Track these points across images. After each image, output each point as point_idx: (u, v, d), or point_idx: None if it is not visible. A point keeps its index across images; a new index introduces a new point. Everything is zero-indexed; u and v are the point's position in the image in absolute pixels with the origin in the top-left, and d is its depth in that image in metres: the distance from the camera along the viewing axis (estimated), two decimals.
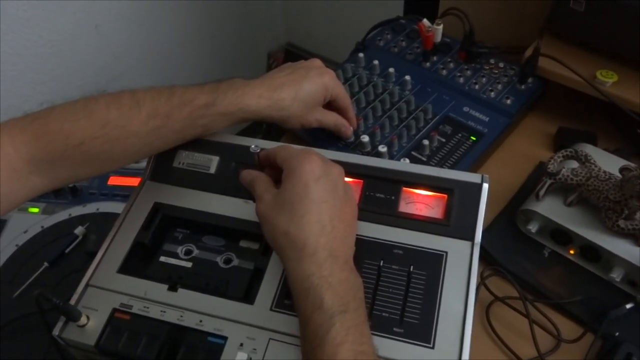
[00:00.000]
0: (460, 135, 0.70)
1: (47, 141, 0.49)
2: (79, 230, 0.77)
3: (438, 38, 0.77)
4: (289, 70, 0.62)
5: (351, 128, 0.68)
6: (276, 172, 0.51)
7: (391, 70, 0.76)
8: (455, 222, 0.52)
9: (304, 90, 0.59)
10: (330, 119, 0.64)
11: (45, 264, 0.74)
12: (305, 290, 0.43)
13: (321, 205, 0.46)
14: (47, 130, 0.49)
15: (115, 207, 0.81)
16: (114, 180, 0.85)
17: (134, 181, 0.83)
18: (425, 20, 0.76)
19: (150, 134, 0.53)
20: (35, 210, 0.81)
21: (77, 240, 0.77)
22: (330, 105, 0.65)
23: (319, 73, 0.61)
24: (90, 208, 0.81)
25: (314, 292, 0.42)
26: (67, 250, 0.76)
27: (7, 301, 0.71)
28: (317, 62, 0.64)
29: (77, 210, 0.81)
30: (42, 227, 0.79)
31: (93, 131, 0.50)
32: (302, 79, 0.60)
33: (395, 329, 0.47)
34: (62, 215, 0.81)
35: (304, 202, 0.46)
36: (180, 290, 0.51)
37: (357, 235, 0.51)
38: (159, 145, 0.56)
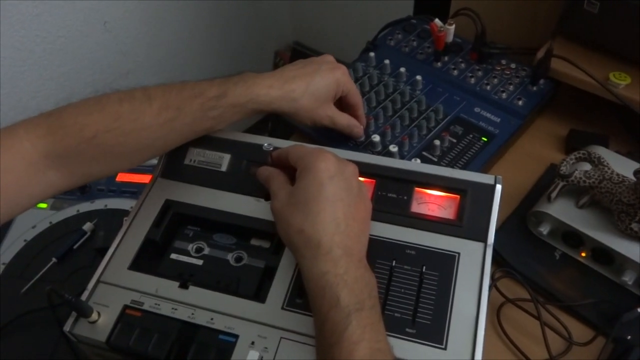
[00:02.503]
0: (471, 136, 0.70)
1: (62, 135, 0.49)
2: (87, 226, 0.77)
3: (450, 38, 0.77)
4: (301, 64, 0.62)
5: (363, 128, 0.67)
6: (289, 171, 0.51)
7: (402, 69, 0.76)
8: (467, 223, 0.52)
9: (316, 83, 0.59)
10: (343, 119, 0.64)
11: (54, 259, 0.74)
12: (321, 288, 0.43)
13: (336, 204, 0.46)
14: (61, 125, 0.49)
15: (124, 203, 0.81)
16: (122, 177, 0.85)
17: (142, 178, 0.83)
18: (437, 20, 0.76)
19: (163, 127, 0.53)
20: (44, 205, 0.81)
21: (86, 236, 0.76)
22: (341, 101, 0.65)
23: (330, 68, 0.61)
24: (99, 204, 0.81)
25: (329, 291, 0.42)
26: (75, 246, 0.76)
27: (15, 296, 0.71)
28: (329, 57, 0.64)
29: (85, 207, 0.81)
30: (50, 222, 0.79)
31: (106, 124, 0.50)
32: (314, 72, 0.60)
33: (407, 330, 0.47)
34: (70, 211, 0.80)
35: (319, 200, 0.45)
36: (191, 287, 0.51)
37: (369, 235, 0.51)
38: (172, 138, 0.55)
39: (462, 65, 0.78)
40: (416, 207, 0.54)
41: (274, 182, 0.50)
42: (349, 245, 0.45)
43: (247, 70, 0.59)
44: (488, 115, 0.72)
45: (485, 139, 0.69)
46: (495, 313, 0.59)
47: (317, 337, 0.44)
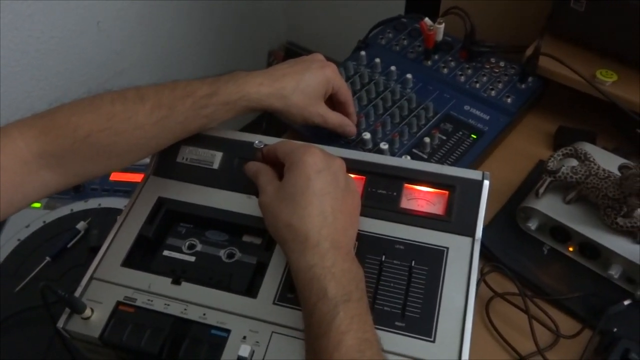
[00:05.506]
0: (461, 133, 0.70)
1: (56, 135, 0.49)
2: (81, 225, 0.78)
3: (439, 37, 0.78)
4: (291, 63, 0.62)
5: (355, 127, 0.68)
6: (279, 167, 0.52)
7: (393, 68, 0.77)
8: (456, 219, 0.53)
9: (306, 80, 0.60)
10: (335, 117, 0.64)
11: (47, 258, 0.74)
12: (309, 280, 0.43)
13: (323, 197, 0.46)
14: (55, 125, 0.50)
15: (117, 202, 0.82)
16: (115, 176, 0.85)
17: (136, 177, 0.84)
18: (427, 19, 0.76)
19: (155, 126, 0.53)
20: (37, 205, 0.82)
21: (79, 235, 0.77)
22: (331, 99, 0.65)
23: (320, 66, 0.62)
24: (92, 203, 0.82)
25: (317, 283, 0.43)
26: (69, 245, 0.76)
27: (9, 295, 0.71)
28: (318, 56, 0.65)
29: (79, 206, 0.81)
30: (44, 222, 0.79)
31: (99, 124, 0.51)
32: (304, 70, 0.61)
33: (396, 323, 0.48)
34: (64, 211, 0.81)
35: (306, 194, 0.46)
36: (183, 283, 0.52)
37: (359, 230, 0.51)
38: (164, 137, 0.56)
39: (452, 63, 0.78)
40: (405, 203, 0.55)
41: (262, 177, 0.51)
42: (336, 238, 0.46)
43: (239, 69, 0.60)
44: (477, 112, 0.73)
45: (474, 136, 0.70)
46: (484, 307, 0.60)
47: (305, 329, 0.44)
